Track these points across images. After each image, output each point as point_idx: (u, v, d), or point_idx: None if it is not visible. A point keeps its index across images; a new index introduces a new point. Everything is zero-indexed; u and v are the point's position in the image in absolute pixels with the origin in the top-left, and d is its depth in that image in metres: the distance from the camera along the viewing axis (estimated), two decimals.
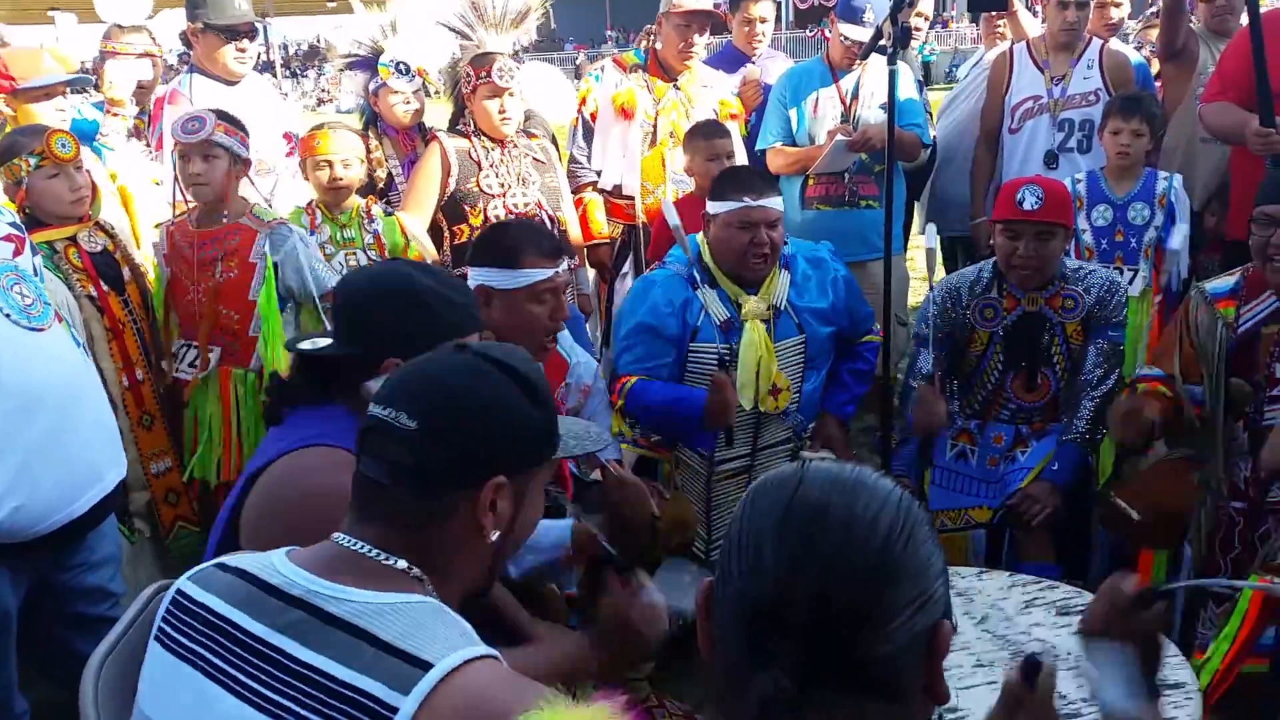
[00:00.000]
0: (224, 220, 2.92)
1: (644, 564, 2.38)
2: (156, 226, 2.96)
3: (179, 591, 1.19)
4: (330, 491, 1.50)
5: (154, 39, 4.12)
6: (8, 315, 1.85)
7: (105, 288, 2.70)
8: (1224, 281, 2.62)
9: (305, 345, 1.70)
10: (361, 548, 1.17)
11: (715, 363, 2.79)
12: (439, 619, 1.12)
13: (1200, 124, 3.54)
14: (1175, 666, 1.85)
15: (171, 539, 2.86)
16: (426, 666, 1.03)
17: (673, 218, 2.84)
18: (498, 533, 1.21)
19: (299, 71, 34.10)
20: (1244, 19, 3.37)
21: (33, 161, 2.58)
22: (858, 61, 3.69)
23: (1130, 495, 2.64)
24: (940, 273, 3.72)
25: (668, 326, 2.77)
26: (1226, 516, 2.55)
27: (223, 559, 1.22)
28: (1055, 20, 3.88)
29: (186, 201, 2.93)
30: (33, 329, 1.89)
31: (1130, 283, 3.37)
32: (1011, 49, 4.10)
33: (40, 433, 1.87)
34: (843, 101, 3.87)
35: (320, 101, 26.05)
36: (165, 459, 2.86)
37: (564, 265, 2.46)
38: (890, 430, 2.86)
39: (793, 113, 3.89)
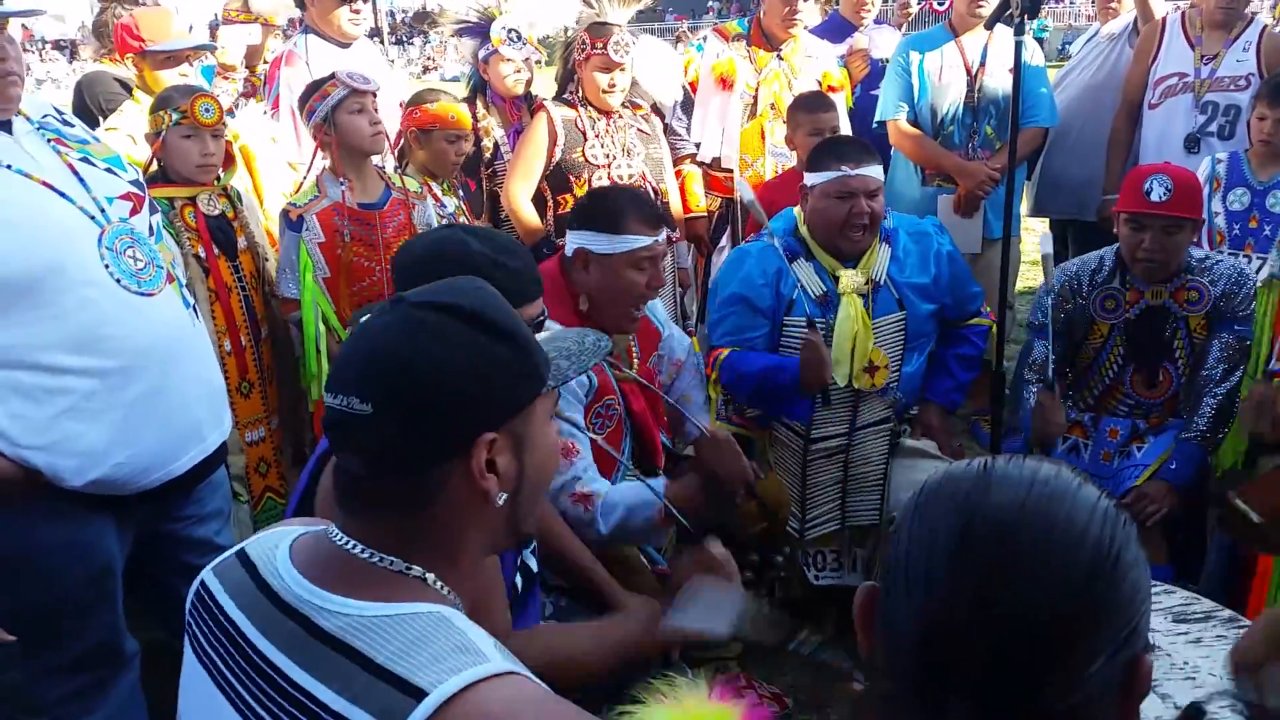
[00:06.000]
0: (390, 193, 2.95)
1: (735, 533, 2.37)
2: (290, 205, 2.85)
3: (202, 583, 1.11)
4: None
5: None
6: (119, 281, 1.87)
7: (216, 251, 2.73)
8: None
9: (367, 318, 1.70)
10: (352, 546, 1.04)
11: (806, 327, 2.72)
12: (443, 633, 0.98)
13: None
14: None
15: (259, 510, 2.87)
16: (420, 695, 0.91)
17: (746, 193, 2.77)
18: (505, 494, 1.07)
19: (405, 39, 34.61)
20: None
21: (174, 117, 2.63)
22: (983, 29, 3.55)
23: (1252, 496, 2.50)
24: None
25: (761, 298, 2.72)
26: None
27: (245, 545, 1.14)
28: None
29: (340, 168, 2.86)
30: (141, 294, 1.91)
31: (1258, 271, 3.19)
32: (1165, 18, 3.90)
33: (141, 392, 1.89)
34: (968, 70, 3.75)
35: (425, 69, 26.42)
36: (260, 428, 2.85)
37: (664, 235, 2.44)
38: (1000, 421, 2.76)
39: (915, 80, 3.78)
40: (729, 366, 2.70)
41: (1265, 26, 3.73)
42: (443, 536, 1.06)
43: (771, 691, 2.48)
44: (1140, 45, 3.94)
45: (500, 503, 1.07)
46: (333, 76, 2.89)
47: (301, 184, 3.03)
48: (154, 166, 2.71)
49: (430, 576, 1.04)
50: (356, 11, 3.77)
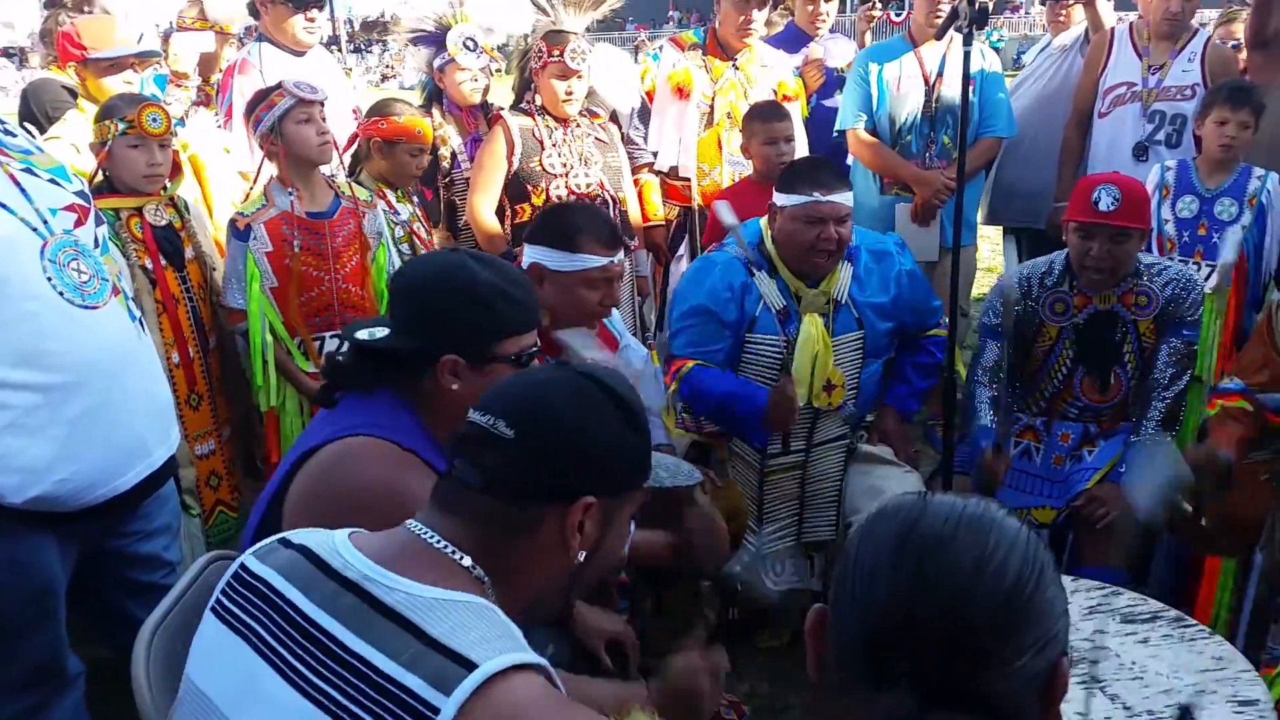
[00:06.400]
0: (339, 202, 2.91)
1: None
2: (238, 214, 2.82)
3: (241, 565, 1.19)
4: (377, 484, 1.53)
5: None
6: (61, 294, 1.82)
7: (163, 262, 2.68)
8: None
9: (363, 335, 1.68)
10: (431, 537, 1.16)
11: (772, 355, 2.73)
12: (490, 620, 1.09)
13: None
14: (1248, 682, 1.78)
15: (210, 523, 2.82)
16: (470, 666, 1.00)
17: (728, 217, 2.71)
18: (583, 553, 1.21)
19: (363, 47, 34.36)
20: None
21: (120, 127, 2.58)
22: (935, 38, 3.59)
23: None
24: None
25: (726, 311, 2.71)
26: None
27: (287, 534, 1.21)
28: (1158, 8, 3.74)
29: (287, 178, 2.80)
30: (86, 307, 1.86)
31: (1207, 279, 3.25)
32: (1114, 29, 3.99)
33: (85, 407, 1.85)
34: (926, 80, 3.79)
35: (384, 77, 26.24)
36: (210, 440, 2.81)
37: (620, 255, 2.43)
38: (953, 426, 2.79)
39: (874, 90, 3.82)
40: (691, 381, 2.69)
41: (1209, 38, 3.81)
42: (514, 564, 1.18)
43: (729, 699, 2.48)
44: (1090, 55, 4.02)
45: (576, 559, 1.21)
46: (280, 86, 2.85)
47: (249, 193, 3.00)
48: (99, 177, 2.66)
49: (487, 580, 1.16)
50: (311, 20, 3.73)
